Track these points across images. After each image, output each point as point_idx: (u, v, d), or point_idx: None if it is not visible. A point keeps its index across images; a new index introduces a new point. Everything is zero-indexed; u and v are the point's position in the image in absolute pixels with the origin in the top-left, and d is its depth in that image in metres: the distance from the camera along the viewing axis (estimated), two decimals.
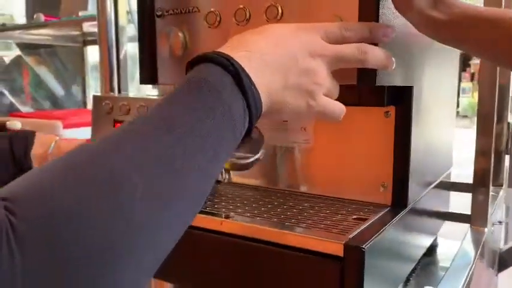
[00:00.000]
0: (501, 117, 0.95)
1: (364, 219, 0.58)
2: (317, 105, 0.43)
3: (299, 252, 0.52)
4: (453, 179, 0.89)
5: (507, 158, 0.94)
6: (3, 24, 1.43)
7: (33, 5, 1.66)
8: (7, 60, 1.73)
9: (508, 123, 0.94)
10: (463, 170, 0.93)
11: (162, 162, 0.30)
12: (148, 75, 0.66)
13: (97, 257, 0.25)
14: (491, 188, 0.86)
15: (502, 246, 0.97)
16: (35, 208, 0.24)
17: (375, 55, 0.45)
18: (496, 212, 0.88)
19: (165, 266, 0.34)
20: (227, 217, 0.59)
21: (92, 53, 1.66)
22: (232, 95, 0.36)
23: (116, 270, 0.26)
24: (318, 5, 0.52)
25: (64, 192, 0.25)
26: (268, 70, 0.39)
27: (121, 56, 1.06)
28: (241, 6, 0.57)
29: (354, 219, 0.59)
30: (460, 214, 0.84)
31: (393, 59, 0.47)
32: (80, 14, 1.27)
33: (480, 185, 0.76)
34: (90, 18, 1.21)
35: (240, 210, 0.62)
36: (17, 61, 1.80)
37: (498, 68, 0.83)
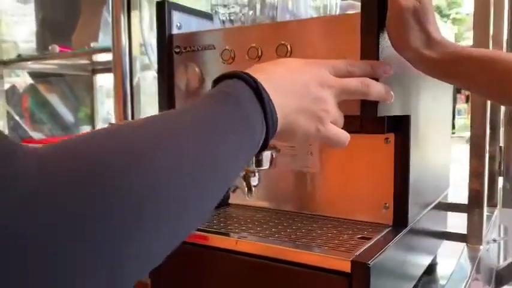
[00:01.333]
0: (494, 140, 1.01)
1: (369, 238, 0.63)
2: (325, 131, 0.49)
3: (310, 270, 0.57)
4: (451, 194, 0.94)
5: (500, 179, 0.99)
6: (19, 55, 1.49)
7: (44, 35, 1.72)
8: (20, 88, 1.79)
9: (500, 146, 1.00)
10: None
11: (191, 160, 0.32)
12: (167, 108, 0.71)
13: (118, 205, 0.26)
14: (486, 208, 0.91)
15: (499, 264, 1.01)
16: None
17: (376, 89, 0.51)
18: (491, 231, 0.93)
19: (182, 283, 0.37)
20: (242, 237, 0.64)
21: (101, 81, 1.72)
22: (252, 106, 0.40)
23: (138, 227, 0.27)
24: (323, 45, 0.58)
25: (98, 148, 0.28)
26: (284, 93, 0.45)
27: (134, 85, 1.11)
28: (254, 44, 0.62)
29: (359, 238, 0.63)
30: (457, 233, 0.88)
31: (392, 92, 0.53)
32: (92, 45, 1.34)
33: (475, 206, 0.81)
34: (105, 50, 1.28)
35: (252, 231, 0.67)
36: (28, 89, 1.86)
37: None
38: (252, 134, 0.39)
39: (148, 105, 1.13)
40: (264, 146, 0.42)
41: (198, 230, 0.68)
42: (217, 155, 0.35)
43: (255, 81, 0.41)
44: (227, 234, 0.65)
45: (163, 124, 0.34)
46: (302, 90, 0.46)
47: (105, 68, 1.60)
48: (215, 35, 0.67)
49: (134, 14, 1.10)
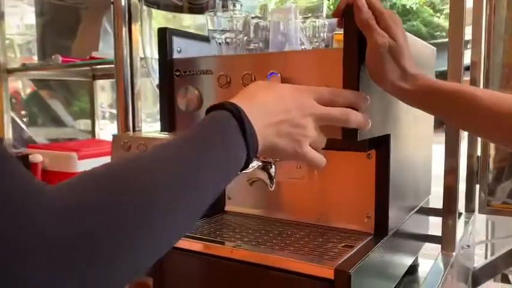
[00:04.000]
0: (472, 149, 1.08)
1: (351, 246, 0.70)
2: (302, 153, 0.56)
3: (298, 276, 0.63)
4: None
5: (477, 187, 1.07)
6: (24, 64, 1.55)
7: (44, 42, 1.77)
8: (23, 94, 1.85)
9: (478, 156, 1.07)
10: None
11: (181, 184, 0.40)
12: (168, 125, 0.78)
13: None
14: (464, 213, 0.98)
15: (476, 264, 1.08)
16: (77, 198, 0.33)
17: (355, 118, 0.57)
18: (467, 235, 1.00)
19: None
20: (237, 246, 0.70)
21: (101, 86, 1.78)
22: (235, 135, 0.48)
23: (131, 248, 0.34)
24: (310, 74, 0.65)
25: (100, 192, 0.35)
26: (266, 119, 0.52)
27: (135, 95, 1.17)
28: (248, 71, 0.69)
29: (343, 246, 0.70)
30: (436, 236, 0.95)
31: (370, 120, 0.60)
32: (93, 54, 1.39)
33: (448, 212, 0.88)
34: (107, 62, 1.33)
35: (246, 239, 0.74)
36: (31, 95, 1.91)
37: None
38: (234, 160, 0.47)
39: (148, 109, 1.19)
40: (246, 166, 0.50)
41: (197, 238, 0.74)
42: (203, 179, 0.43)
43: (239, 112, 0.48)
44: (223, 243, 0.72)
45: (155, 159, 0.42)
46: (284, 116, 0.53)
47: (104, 74, 1.66)
48: (212, 61, 0.73)
49: (135, 28, 1.15)
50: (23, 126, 1.80)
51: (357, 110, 0.59)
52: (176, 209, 0.40)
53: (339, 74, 0.62)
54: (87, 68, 1.60)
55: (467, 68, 1.12)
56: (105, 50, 1.43)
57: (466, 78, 1.13)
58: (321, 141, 0.59)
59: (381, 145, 0.74)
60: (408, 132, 0.83)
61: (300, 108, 0.54)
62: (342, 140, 0.70)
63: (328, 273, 0.61)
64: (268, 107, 0.53)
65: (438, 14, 10.99)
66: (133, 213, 0.35)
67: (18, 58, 1.71)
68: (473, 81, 1.14)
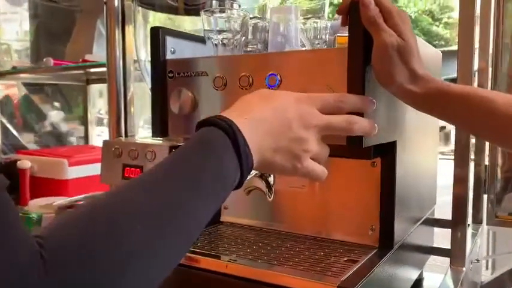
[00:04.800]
0: (479, 158, 1.04)
1: (355, 261, 0.65)
2: (302, 168, 0.51)
3: None
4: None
5: (485, 197, 1.02)
6: (14, 68, 1.51)
7: (38, 45, 1.73)
8: (15, 99, 1.80)
9: (485, 165, 1.02)
10: None
11: (164, 212, 0.37)
12: (160, 129, 0.73)
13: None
14: (471, 225, 0.93)
15: (483, 279, 1.04)
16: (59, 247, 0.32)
17: (360, 125, 0.53)
18: (476, 248, 0.95)
19: None
20: (232, 260, 0.66)
21: (95, 90, 1.74)
22: (229, 156, 0.43)
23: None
24: (312, 76, 0.60)
25: (81, 239, 0.33)
26: (263, 133, 0.47)
27: (128, 100, 1.12)
28: (245, 73, 0.64)
29: (346, 261, 0.66)
30: (443, 249, 0.91)
31: (376, 126, 0.55)
32: (86, 57, 1.35)
33: (458, 223, 0.84)
34: (100, 65, 1.29)
35: (242, 253, 0.69)
36: (23, 99, 1.87)
37: None
38: (226, 181, 0.43)
39: (146, 114, 1.14)
40: (239, 185, 0.45)
41: (191, 251, 0.69)
42: (196, 217, 0.40)
43: (232, 128, 0.44)
44: (218, 257, 0.67)
45: (139, 193, 0.38)
46: (283, 129, 0.48)
47: (99, 78, 1.61)
48: (208, 62, 0.69)
49: (128, 29, 1.11)
50: (14, 131, 1.76)
51: (362, 115, 0.55)
52: (164, 246, 0.37)
53: (341, 75, 0.58)
54: (81, 71, 1.56)
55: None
56: (100, 53, 1.39)
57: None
58: (323, 153, 0.54)
59: (387, 152, 0.70)
60: (414, 139, 0.79)
61: (301, 120, 0.49)
62: (346, 146, 0.65)
63: None
64: (265, 119, 0.48)
65: (437, 23, 11.02)
66: (114, 257, 0.33)
67: (11, 62, 1.67)
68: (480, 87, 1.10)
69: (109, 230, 0.33)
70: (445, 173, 1.02)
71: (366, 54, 0.56)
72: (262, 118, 0.47)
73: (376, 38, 0.54)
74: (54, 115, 1.84)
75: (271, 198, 0.69)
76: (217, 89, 0.67)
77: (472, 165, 0.91)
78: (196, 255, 0.68)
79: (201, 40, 0.78)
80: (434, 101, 0.54)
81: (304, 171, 0.51)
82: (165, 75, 0.72)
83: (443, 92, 0.53)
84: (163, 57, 0.72)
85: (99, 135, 1.89)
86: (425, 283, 0.92)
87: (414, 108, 0.57)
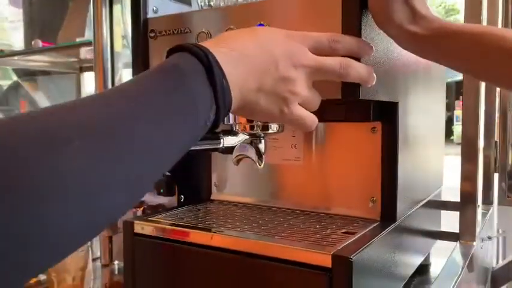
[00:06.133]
0: (488, 135, 0.97)
1: (353, 233, 0.59)
2: (289, 113, 0.45)
3: (288, 265, 0.52)
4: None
5: (496, 176, 0.95)
6: (2, 51, 1.46)
7: (32, 33, 1.69)
8: (4, 86, 1.75)
9: (495, 141, 0.96)
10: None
11: (107, 127, 0.30)
12: None
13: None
14: (481, 205, 0.87)
15: (495, 265, 0.97)
16: None
17: (356, 70, 0.47)
18: (486, 229, 0.88)
19: (154, 279, 0.34)
20: (217, 231, 0.60)
21: (88, 79, 1.69)
22: (200, 84, 0.36)
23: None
24: (304, 23, 0.54)
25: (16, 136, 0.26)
26: (245, 70, 0.41)
27: (116, 82, 1.08)
28: (231, 26, 0.59)
29: (343, 233, 0.59)
30: (450, 232, 0.84)
31: (374, 74, 0.49)
32: (78, 40, 1.30)
33: (467, 203, 0.77)
34: (87, 43, 1.24)
35: (230, 226, 0.63)
36: (14, 88, 1.82)
37: (484, 87, 0.85)
38: (194, 116, 0.36)
39: None
40: (215, 126, 0.39)
41: (175, 225, 0.64)
42: (149, 140, 0.32)
43: (207, 57, 0.37)
44: (203, 229, 0.61)
45: (93, 107, 0.31)
46: (269, 67, 0.42)
47: (92, 66, 1.57)
48: (190, 18, 0.63)
49: (116, 8, 1.06)
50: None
51: (359, 61, 0.49)
52: (106, 171, 0.29)
53: (338, 21, 0.52)
54: (74, 59, 1.51)
55: None
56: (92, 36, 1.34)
57: None
58: (314, 100, 0.47)
59: (388, 116, 0.64)
60: (419, 104, 0.73)
61: (290, 58, 0.43)
62: (344, 105, 0.60)
63: (324, 260, 0.50)
64: (249, 54, 0.41)
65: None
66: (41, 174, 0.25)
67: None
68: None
69: (41, 138, 0.26)
70: None
71: None
72: (245, 52, 0.41)
73: None
74: (46, 103, 1.79)
75: (261, 166, 0.63)
76: None
77: (481, 143, 0.85)
78: (179, 228, 0.62)
79: (186, 2, 0.73)
80: (440, 43, 0.48)
81: (291, 117, 0.45)
82: (147, 35, 0.67)
83: (450, 32, 0.47)
84: (145, 16, 0.67)
85: None
86: (432, 269, 0.85)
87: (416, 54, 0.51)
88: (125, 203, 0.31)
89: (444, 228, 0.89)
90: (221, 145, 0.59)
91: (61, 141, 0.27)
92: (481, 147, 0.85)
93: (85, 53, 1.41)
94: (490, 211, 0.93)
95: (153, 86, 0.34)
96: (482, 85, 1.00)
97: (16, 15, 1.90)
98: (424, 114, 0.77)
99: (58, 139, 0.27)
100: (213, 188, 0.81)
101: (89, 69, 1.64)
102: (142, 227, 0.65)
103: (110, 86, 1.06)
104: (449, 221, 0.91)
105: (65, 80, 1.77)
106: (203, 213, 0.72)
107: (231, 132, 0.61)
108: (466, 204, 0.79)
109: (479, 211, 0.89)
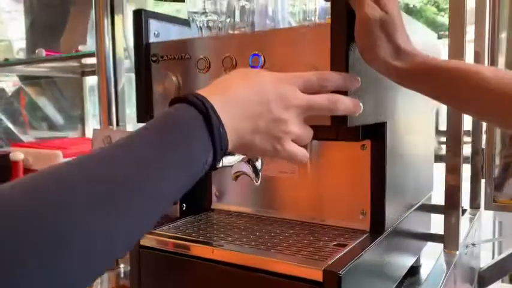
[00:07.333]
0: (477, 142, 1.02)
1: (344, 245, 0.64)
2: (283, 150, 0.49)
3: (284, 279, 0.57)
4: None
5: (483, 181, 1.00)
6: (6, 59, 1.50)
7: (33, 38, 1.72)
8: (8, 91, 1.79)
9: (482, 149, 1.00)
10: None
11: (113, 181, 0.34)
12: (145, 114, 0.72)
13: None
14: (468, 210, 0.91)
15: (483, 265, 1.02)
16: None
17: (344, 104, 0.51)
18: (472, 233, 0.93)
19: None
20: (218, 246, 0.64)
21: (90, 81, 1.72)
22: (199, 134, 0.41)
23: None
24: (295, 55, 0.58)
25: (27, 198, 0.30)
26: (241, 115, 0.45)
27: (119, 88, 1.12)
28: (228, 54, 0.63)
29: (334, 245, 0.64)
30: (438, 235, 0.89)
31: (360, 104, 0.53)
32: (80, 48, 1.34)
33: (451, 208, 0.82)
34: (90, 54, 1.28)
35: (230, 239, 0.68)
36: (17, 91, 1.86)
37: None
38: (195, 163, 0.40)
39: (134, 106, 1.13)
40: (213, 167, 0.43)
41: (178, 238, 0.68)
42: (155, 193, 0.36)
43: (205, 106, 0.41)
44: (205, 243, 0.66)
45: (95, 166, 0.35)
46: (262, 110, 0.46)
47: (94, 70, 1.60)
48: (190, 44, 0.67)
49: (118, 18, 1.10)
50: (9, 124, 1.75)
51: (346, 93, 0.53)
52: (111, 225, 0.33)
53: (326, 54, 0.56)
54: (76, 64, 1.55)
55: None
56: (94, 44, 1.37)
57: None
58: (305, 135, 0.52)
59: (377, 135, 0.68)
60: (407, 120, 0.77)
61: (282, 100, 0.47)
62: (332, 127, 0.63)
63: (316, 274, 0.55)
64: (243, 98, 0.46)
65: (442, 13, 10.90)
66: (62, 229, 0.30)
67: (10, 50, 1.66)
68: None
69: (55, 197, 0.30)
70: None
71: (350, 30, 0.54)
72: (239, 98, 0.46)
73: (358, 12, 0.52)
74: (49, 107, 1.83)
75: (258, 182, 0.67)
76: (200, 72, 0.66)
77: (465, 148, 0.89)
78: (182, 241, 0.67)
79: (186, 23, 0.76)
80: (421, 77, 0.52)
81: (284, 154, 0.49)
82: (149, 59, 0.71)
83: (429, 66, 0.51)
84: (147, 41, 0.71)
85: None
86: (422, 270, 0.90)
87: (400, 85, 0.55)
88: (127, 247, 0.36)
89: (435, 229, 0.94)
90: (220, 165, 0.64)
91: (73, 204, 0.31)
92: (468, 153, 0.90)
93: (87, 59, 1.45)
94: (477, 215, 0.98)
95: (158, 142, 0.38)
96: None
97: (14, 6, 1.92)
98: (414, 123, 0.81)
99: (70, 202, 0.31)
100: (214, 198, 0.86)
101: (91, 73, 1.68)
102: (148, 240, 0.69)
103: (113, 93, 1.10)
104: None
105: (67, 83, 1.81)
106: (204, 224, 0.77)
107: (230, 152, 0.65)
108: (449, 209, 0.83)
109: (467, 216, 0.93)
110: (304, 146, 0.53)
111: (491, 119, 0.54)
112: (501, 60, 1.04)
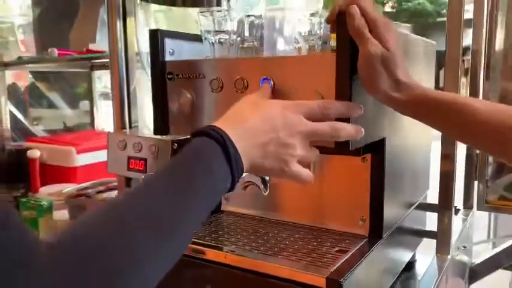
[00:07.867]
0: (470, 147, 1.07)
1: (345, 251, 0.70)
2: (289, 171, 0.56)
3: (290, 283, 0.64)
4: None
5: (476, 184, 1.06)
6: (19, 58, 1.54)
7: (42, 36, 1.75)
8: (21, 86, 1.84)
9: (476, 153, 1.05)
10: None
11: (162, 218, 0.42)
12: (161, 128, 0.77)
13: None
14: (461, 211, 0.97)
15: (477, 260, 1.08)
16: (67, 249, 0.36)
17: (345, 131, 0.57)
18: (465, 233, 0.99)
19: None
20: (230, 251, 0.71)
21: (98, 75, 1.77)
22: (220, 165, 0.48)
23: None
24: (302, 81, 0.63)
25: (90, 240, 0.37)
26: (253, 142, 0.52)
27: (131, 88, 1.15)
28: (240, 76, 0.68)
29: (336, 251, 0.70)
30: (433, 231, 0.94)
31: (362, 129, 0.59)
32: (90, 46, 1.37)
33: (444, 208, 0.87)
34: (100, 53, 1.32)
35: (240, 243, 0.74)
36: (29, 86, 1.91)
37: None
38: (218, 192, 0.49)
39: (147, 103, 1.18)
40: (232, 188, 0.50)
41: (193, 243, 0.74)
42: (192, 219, 0.45)
43: (223, 138, 0.49)
44: (217, 248, 0.72)
45: (144, 200, 0.43)
46: (271, 135, 0.53)
47: (103, 65, 1.64)
48: (205, 65, 0.72)
49: (130, 22, 1.14)
50: (22, 118, 1.81)
51: (348, 120, 0.58)
52: (164, 248, 0.42)
53: (331, 81, 0.61)
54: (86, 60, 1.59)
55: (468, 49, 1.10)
56: (103, 41, 1.41)
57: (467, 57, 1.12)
58: (310, 157, 0.59)
59: (376, 149, 0.73)
60: (405, 133, 0.82)
61: (288, 127, 0.54)
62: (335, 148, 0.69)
63: (319, 281, 0.61)
64: (254, 127, 0.53)
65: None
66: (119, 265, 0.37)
67: (15, 51, 1.70)
68: (474, 69, 1.12)
69: (119, 232, 0.38)
70: None
71: (353, 62, 0.59)
72: (251, 127, 0.52)
73: (361, 48, 0.57)
74: (60, 100, 1.88)
75: (266, 193, 0.73)
76: (214, 91, 0.71)
77: (459, 149, 0.93)
78: (198, 246, 0.73)
79: (198, 39, 0.81)
80: (418, 108, 0.57)
81: (290, 174, 0.55)
82: (164, 77, 0.76)
83: (426, 99, 0.56)
84: (163, 59, 0.76)
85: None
86: (417, 265, 0.96)
87: (400, 113, 0.61)
88: (170, 266, 0.44)
89: (430, 225, 0.99)
90: None
91: (133, 232, 0.39)
92: (463, 159, 0.95)
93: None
94: (470, 215, 1.04)
95: (188, 177, 0.46)
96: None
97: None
98: (410, 137, 0.86)
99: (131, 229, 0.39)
100: (223, 201, 0.92)
101: (99, 67, 1.72)
102: None
103: (125, 94, 1.14)
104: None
105: (76, 77, 1.85)
106: (215, 227, 0.83)
107: None
108: (443, 209, 0.89)
109: (460, 216, 0.99)
110: (308, 166, 0.59)
111: (487, 150, 0.59)
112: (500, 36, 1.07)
